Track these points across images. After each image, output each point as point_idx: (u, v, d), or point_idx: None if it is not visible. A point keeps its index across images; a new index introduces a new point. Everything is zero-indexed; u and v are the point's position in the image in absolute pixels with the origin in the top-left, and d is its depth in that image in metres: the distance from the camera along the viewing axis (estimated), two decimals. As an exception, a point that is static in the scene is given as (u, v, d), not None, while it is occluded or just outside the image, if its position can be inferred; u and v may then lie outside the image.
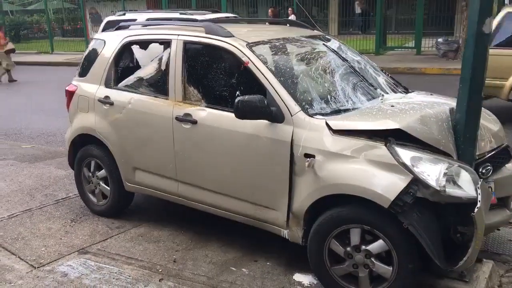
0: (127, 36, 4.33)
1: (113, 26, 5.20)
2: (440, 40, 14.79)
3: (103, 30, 8.51)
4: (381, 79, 3.92)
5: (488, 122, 3.44)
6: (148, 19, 8.11)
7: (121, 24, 4.68)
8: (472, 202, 2.70)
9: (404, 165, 2.79)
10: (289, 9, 17.49)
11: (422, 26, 15.91)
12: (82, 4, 23.35)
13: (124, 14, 9.51)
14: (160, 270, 3.58)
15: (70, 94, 4.64)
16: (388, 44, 17.63)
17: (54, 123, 8.79)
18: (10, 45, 14.55)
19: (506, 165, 3.35)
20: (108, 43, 4.43)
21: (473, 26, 2.76)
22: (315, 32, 4.36)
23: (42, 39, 27.41)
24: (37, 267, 3.66)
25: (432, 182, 2.74)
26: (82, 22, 24.21)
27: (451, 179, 2.77)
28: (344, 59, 3.87)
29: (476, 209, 2.63)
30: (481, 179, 2.83)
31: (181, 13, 8.87)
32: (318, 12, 23.68)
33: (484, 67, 2.81)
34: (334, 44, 4.06)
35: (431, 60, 14.41)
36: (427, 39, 15.73)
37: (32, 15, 32.28)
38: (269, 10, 17.84)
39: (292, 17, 16.49)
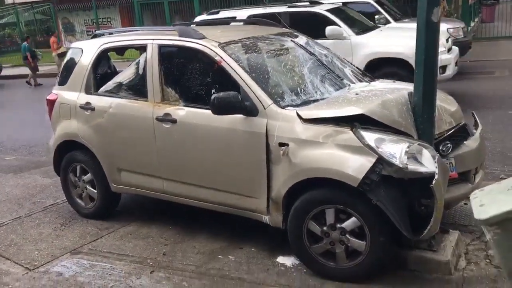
0: (104, 44, 4.51)
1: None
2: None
3: None
4: (348, 70, 4.18)
5: (446, 103, 3.72)
6: (250, 16, 7.91)
7: (97, 32, 4.87)
8: (432, 176, 2.97)
9: (369, 146, 3.05)
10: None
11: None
12: (54, 15, 23.22)
13: (217, 13, 8.95)
14: (151, 263, 3.78)
15: (51, 103, 4.79)
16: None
17: (35, 134, 8.86)
18: (63, 49, 15.28)
19: (465, 142, 3.63)
20: (85, 51, 4.60)
21: (422, 15, 3.02)
22: (283, 30, 4.60)
23: (15, 52, 27.15)
24: (32, 269, 3.82)
25: (395, 160, 3.00)
26: (56, 32, 24.09)
27: (412, 157, 3.04)
28: (311, 54, 4.11)
29: (434, 181, 2.89)
30: (438, 154, 3.10)
31: (289, 6, 8.45)
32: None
33: (435, 52, 3.08)
34: (301, 40, 4.31)
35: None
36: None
37: (4, 28, 31.91)
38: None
39: None
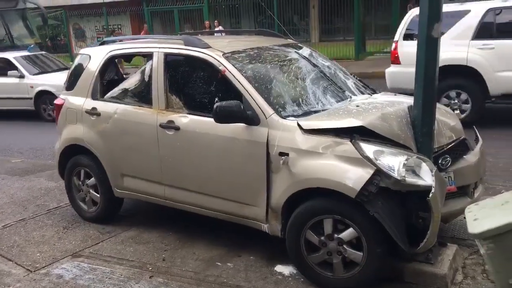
0: (111, 51, 4.59)
1: None
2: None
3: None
4: (350, 82, 4.23)
5: (446, 117, 3.75)
6: (489, 9, 7.40)
7: (105, 39, 4.96)
8: (430, 190, 2.99)
9: (368, 158, 3.08)
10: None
11: (399, 31, 16.35)
12: (65, 21, 23.52)
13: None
14: (150, 269, 3.82)
15: (58, 107, 4.88)
16: (367, 49, 18.08)
17: (42, 137, 8.98)
18: None
19: (465, 156, 3.66)
20: (93, 58, 4.68)
21: (423, 31, 3.07)
22: (288, 41, 4.67)
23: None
24: (33, 271, 3.87)
25: (393, 172, 3.03)
26: (66, 38, 24.39)
27: (411, 170, 3.07)
28: (314, 65, 4.17)
29: (431, 194, 2.92)
30: (436, 168, 3.12)
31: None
32: (299, 20, 24.18)
33: (435, 67, 3.12)
34: (305, 51, 4.36)
35: (409, 64, 14.82)
36: (405, 43, 16.15)
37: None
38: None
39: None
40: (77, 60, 4.96)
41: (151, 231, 4.48)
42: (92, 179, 4.65)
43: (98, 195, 4.65)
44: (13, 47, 13.73)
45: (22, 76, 11.02)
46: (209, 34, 5.91)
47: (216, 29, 16.23)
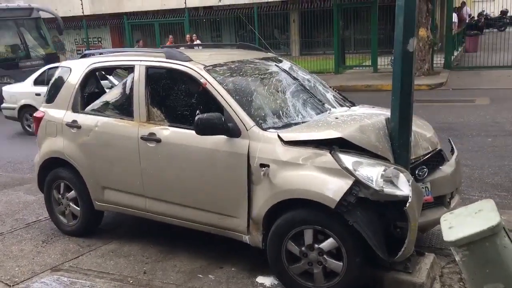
0: (92, 63, 4.60)
1: None
2: (393, 58, 15.50)
3: None
4: (329, 95, 4.31)
5: (422, 129, 3.86)
6: None
7: (86, 52, 4.97)
8: (407, 200, 3.06)
9: (346, 169, 3.15)
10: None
11: (377, 46, 16.70)
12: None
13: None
14: (131, 281, 3.80)
15: (38, 120, 4.84)
16: (347, 63, 18.37)
17: (20, 151, 8.85)
18: None
19: (441, 167, 3.76)
20: (74, 70, 4.68)
21: (399, 46, 3.17)
22: (268, 54, 4.74)
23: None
24: (12, 286, 3.82)
25: (371, 183, 3.10)
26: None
27: (388, 180, 3.14)
28: (294, 78, 4.24)
29: (408, 204, 3.00)
30: (412, 178, 3.21)
31: None
32: (279, 34, 24.45)
33: (411, 80, 3.22)
34: (285, 64, 4.44)
35: (387, 77, 15.08)
36: (383, 57, 16.50)
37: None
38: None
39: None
40: (57, 73, 4.95)
41: (132, 244, 4.46)
42: (72, 192, 4.62)
43: (78, 208, 4.62)
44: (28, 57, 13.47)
45: None
46: (189, 48, 5.97)
47: (195, 43, 16.33)
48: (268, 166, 3.38)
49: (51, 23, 17.11)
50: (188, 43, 15.24)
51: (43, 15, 15.25)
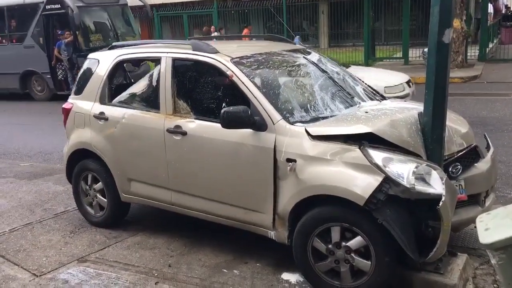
0: (120, 55, 4.59)
1: None
2: (425, 50, 15.11)
3: None
4: (359, 88, 4.19)
5: (457, 125, 3.70)
6: None
7: (114, 44, 4.97)
8: (440, 198, 2.94)
9: (376, 165, 3.04)
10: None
11: (408, 37, 16.29)
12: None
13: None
14: (156, 274, 3.79)
15: (66, 112, 4.88)
16: (377, 55, 18.00)
17: (51, 141, 9.00)
18: None
19: (476, 164, 3.60)
20: (101, 62, 4.68)
21: (434, 37, 3.03)
22: (297, 46, 4.64)
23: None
24: (39, 276, 3.86)
25: (402, 180, 2.98)
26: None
27: (420, 177, 3.02)
28: (323, 71, 4.13)
29: (441, 203, 2.87)
30: (446, 176, 3.07)
31: None
32: (308, 26, 24.17)
33: (446, 73, 3.07)
34: (314, 57, 4.33)
35: (418, 69, 14.71)
36: (415, 49, 16.08)
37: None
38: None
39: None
40: (85, 65, 4.96)
41: (157, 236, 4.46)
42: (99, 183, 4.64)
43: (105, 200, 4.64)
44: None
45: None
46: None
47: (212, 34, 16.20)
48: (295, 161, 3.30)
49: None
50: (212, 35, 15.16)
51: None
